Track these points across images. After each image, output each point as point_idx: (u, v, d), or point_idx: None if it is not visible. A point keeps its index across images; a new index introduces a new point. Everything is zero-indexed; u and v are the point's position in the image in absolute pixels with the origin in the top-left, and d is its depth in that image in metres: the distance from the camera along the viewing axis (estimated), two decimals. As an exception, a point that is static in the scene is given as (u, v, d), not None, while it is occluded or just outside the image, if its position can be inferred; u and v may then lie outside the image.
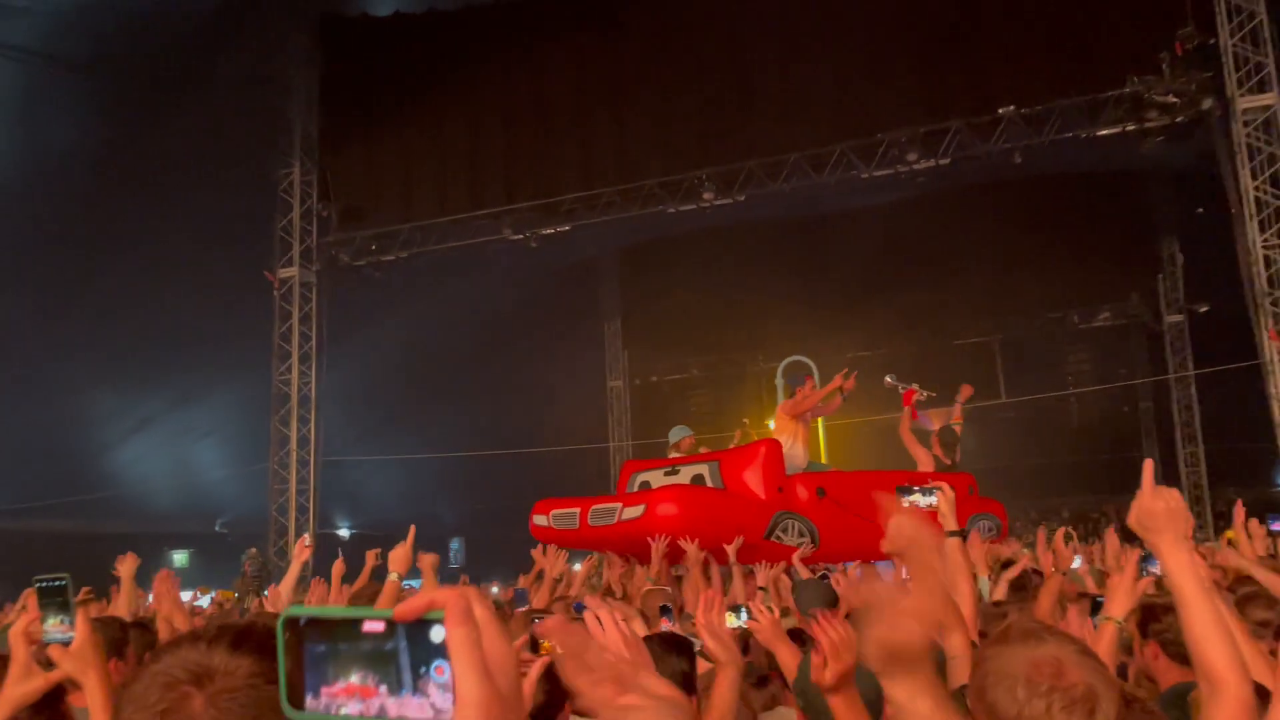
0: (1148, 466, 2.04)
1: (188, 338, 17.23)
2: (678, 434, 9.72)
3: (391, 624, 0.84)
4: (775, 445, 8.83)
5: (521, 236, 16.47)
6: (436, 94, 16.83)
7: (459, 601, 0.84)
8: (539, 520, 8.83)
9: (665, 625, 4.07)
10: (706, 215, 16.02)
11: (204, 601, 12.15)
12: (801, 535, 8.15)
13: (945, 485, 3.31)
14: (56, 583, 2.21)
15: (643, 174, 15.85)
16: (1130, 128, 14.01)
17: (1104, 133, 14.12)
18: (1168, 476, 19.30)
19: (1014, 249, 17.77)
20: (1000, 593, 4.50)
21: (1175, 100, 13.65)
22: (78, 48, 14.76)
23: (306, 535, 15.76)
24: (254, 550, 16.29)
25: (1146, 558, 3.27)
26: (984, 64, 14.55)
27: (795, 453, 9.00)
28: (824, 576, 5.84)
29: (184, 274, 16.66)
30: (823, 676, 2.39)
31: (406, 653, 0.85)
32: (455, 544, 20.91)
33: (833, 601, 4.42)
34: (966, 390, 10.34)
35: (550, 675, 2.77)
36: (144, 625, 4.02)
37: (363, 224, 17.52)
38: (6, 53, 14.06)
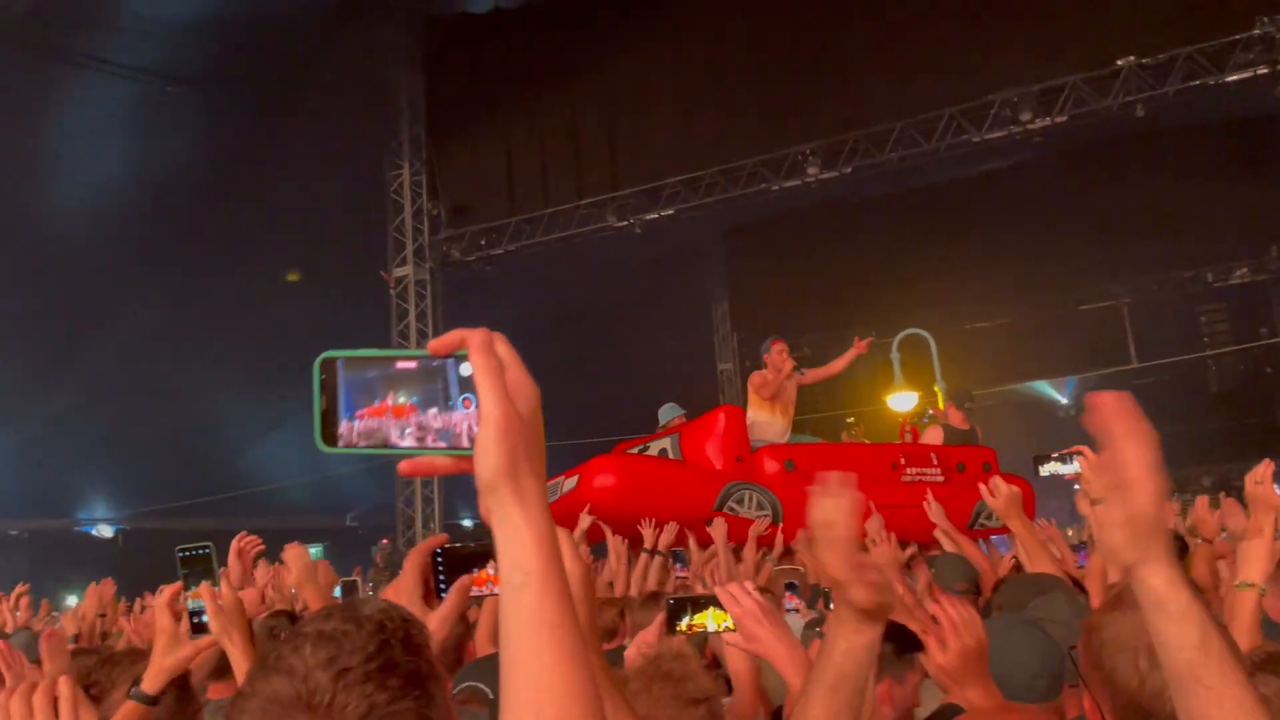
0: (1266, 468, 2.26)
1: (310, 340, 17.79)
2: (667, 414, 9.29)
3: (427, 358, 0.95)
4: (735, 413, 8.44)
5: (626, 223, 16.51)
6: (536, 87, 17.00)
7: (483, 335, 0.96)
8: None
9: (792, 601, 4.00)
10: (812, 191, 15.74)
11: (337, 591, 12.56)
12: (761, 508, 7.72)
13: (1086, 450, 3.11)
14: (201, 551, 2.25)
15: (745, 153, 15.67)
16: (1262, 71, 13.18)
17: (1233, 79, 13.31)
18: (1318, 439, 18.17)
19: (1140, 206, 16.90)
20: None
21: (1311, 39, 12.79)
22: (192, 65, 15.41)
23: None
24: (385, 541, 16.79)
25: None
26: (1099, 14, 13.89)
27: (775, 424, 8.63)
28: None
29: (304, 278, 17.27)
30: (943, 662, 2.18)
31: (453, 371, 0.96)
32: (576, 530, 21.15)
33: (974, 577, 4.27)
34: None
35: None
36: (290, 614, 4.10)
37: (471, 220, 17.87)
38: (127, 73, 14.80)
